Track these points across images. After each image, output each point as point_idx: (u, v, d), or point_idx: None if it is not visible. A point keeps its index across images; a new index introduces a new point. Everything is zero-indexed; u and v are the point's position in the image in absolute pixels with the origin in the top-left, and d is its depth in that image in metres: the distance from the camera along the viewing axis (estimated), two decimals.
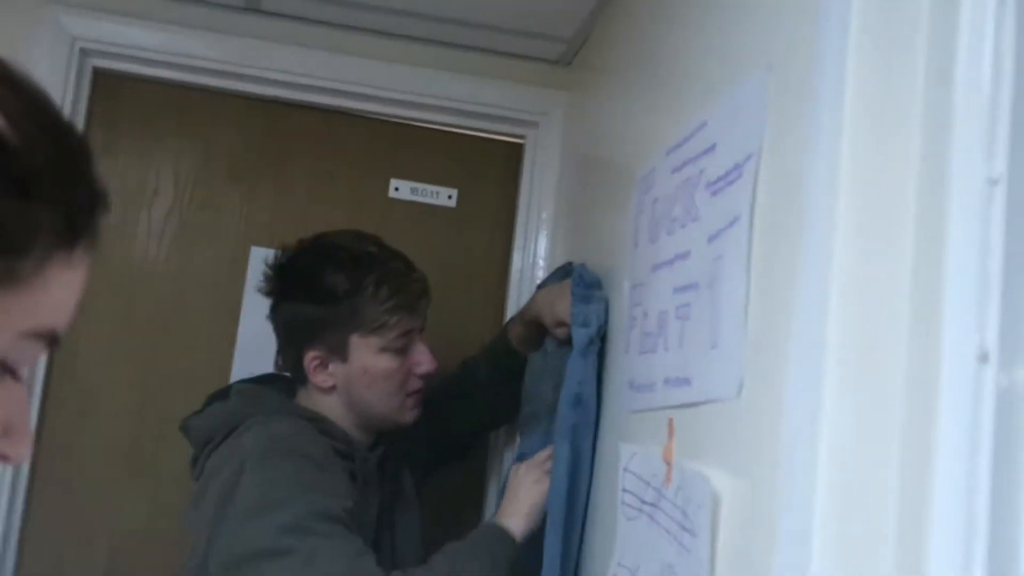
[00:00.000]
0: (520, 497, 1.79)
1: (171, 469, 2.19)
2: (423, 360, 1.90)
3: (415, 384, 1.91)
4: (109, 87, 2.37)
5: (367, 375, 1.85)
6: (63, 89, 2.26)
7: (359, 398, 1.86)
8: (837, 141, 1.00)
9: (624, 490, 1.51)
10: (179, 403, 1.94)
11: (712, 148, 1.37)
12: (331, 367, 1.85)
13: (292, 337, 1.89)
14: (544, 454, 1.80)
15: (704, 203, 1.37)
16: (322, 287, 1.85)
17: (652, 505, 1.39)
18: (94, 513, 2.24)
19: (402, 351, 1.87)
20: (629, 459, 1.52)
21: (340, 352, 1.85)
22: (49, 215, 0.65)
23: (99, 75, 2.35)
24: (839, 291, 0.97)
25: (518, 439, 2.13)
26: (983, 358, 0.83)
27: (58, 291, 0.67)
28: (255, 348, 2.30)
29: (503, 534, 1.75)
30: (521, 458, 1.93)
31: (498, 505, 1.96)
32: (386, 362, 1.86)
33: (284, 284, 1.90)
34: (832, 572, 0.94)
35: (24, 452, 0.71)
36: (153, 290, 2.29)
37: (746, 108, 1.27)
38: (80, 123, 2.31)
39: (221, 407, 1.84)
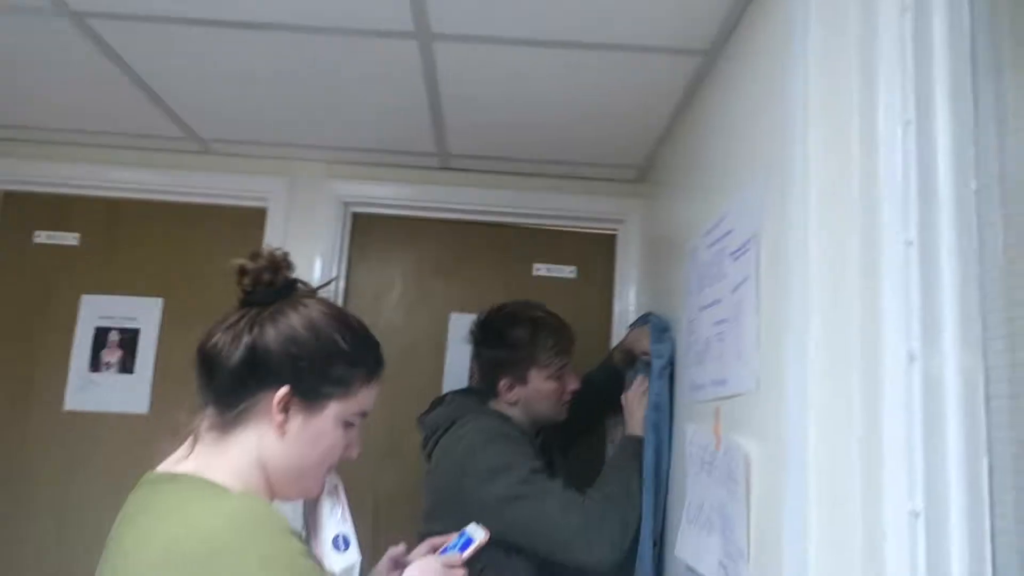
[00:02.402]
0: (635, 414, 1.78)
1: (409, 452, 2.23)
2: (572, 382, 1.89)
3: (567, 397, 1.89)
4: (363, 223, 2.46)
5: (539, 394, 1.85)
6: (336, 227, 2.38)
7: (533, 408, 1.86)
8: (805, 226, 0.98)
9: (690, 455, 1.48)
10: (412, 409, 1.96)
11: (731, 231, 1.35)
12: (515, 389, 1.85)
13: (490, 370, 1.88)
14: (638, 381, 1.80)
15: (728, 266, 1.35)
16: (511, 338, 1.85)
17: (709, 464, 1.36)
18: (364, 480, 2.29)
19: (560, 378, 1.87)
20: (692, 435, 1.49)
21: (522, 380, 1.84)
22: (360, 371, 1.06)
23: (356, 217, 2.45)
24: (814, 322, 0.95)
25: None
26: (911, 358, 0.80)
27: (365, 398, 1.08)
28: (456, 374, 2.35)
29: (634, 438, 1.75)
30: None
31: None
32: (551, 385, 1.85)
33: (484, 336, 1.91)
34: (821, 502, 0.91)
35: (358, 453, 1.10)
36: (394, 342, 2.31)
37: (750, 204, 1.25)
38: (347, 247, 2.42)
39: (443, 409, 1.86)
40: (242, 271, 1.04)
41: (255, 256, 1.05)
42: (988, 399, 0.77)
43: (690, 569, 1.44)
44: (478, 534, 1.26)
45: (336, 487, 1.15)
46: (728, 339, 1.31)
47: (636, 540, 1.66)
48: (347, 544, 1.10)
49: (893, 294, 0.80)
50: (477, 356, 1.94)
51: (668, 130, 1.99)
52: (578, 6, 1.43)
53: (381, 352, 1.12)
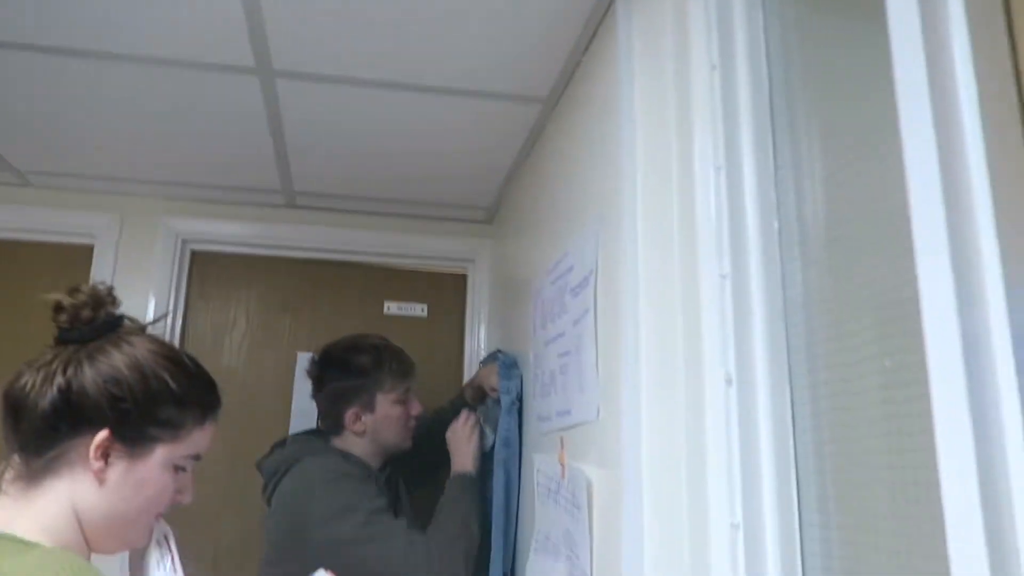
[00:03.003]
0: (463, 449, 1.79)
1: (252, 498, 2.12)
2: (415, 407, 1.89)
3: (412, 423, 1.89)
4: (202, 261, 2.36)
5: (387, 420, 1.83)
6: (172, 265, 2.27)
7: (381, 437, 1.83)
8: (635, 262, 1.05)
9: (538, 484, 1.52)
10: (256, 453, 1.89)
11: (571, 268, 1.41)
12: (363, 418, 1.82)
13: (335, 402, 1.84)
14: (464, 416, 1.84)
15: (570, 301, 1.40)
16: (356, 366, 1.83)
17: (555, 492, 1.40)
18: (204, 530, 2.17)
19: (405, 402, 1.87)
20: (540, 465, 1.52)
21: (370, 407, 1.82)
22: (192, 413, 0.99)
23: (195, 255, 2.36)
24: (644, 349, 1.01)
25: None
26: (728, 381, 0.87)
27: (198, 440, 1.01)
28: (303, 415, 2.28)
29: (465, 476, 1.76)
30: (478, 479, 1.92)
31: None
32: (397, 410, 1.84)
33: (326, 369, 1.87)
34: (655, 520, 0.96)
35: (191, 498, 1.02)
36: (236, 383, 2.27)
37: (588, 242, 1.32)
38: (184, 285, 2.31)
39: (282, 451, 1.81)
40: (58, 307, 0.95)
41: (74, 291, 0.96)
42: (794, 417, 0.85)
43: None
44: None
45: (165, 536, 1.05)
46: (571, 371, 1.36)
47: (486, 572, 1.67)
48: None
49: (711, 323, 0.88)
50: (318, 392, 1.89)
51: (513, 173, 2.07)
52: (420, 50, 1.47)
53: (217, 391, 1.05)
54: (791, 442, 0.85)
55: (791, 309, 0.87)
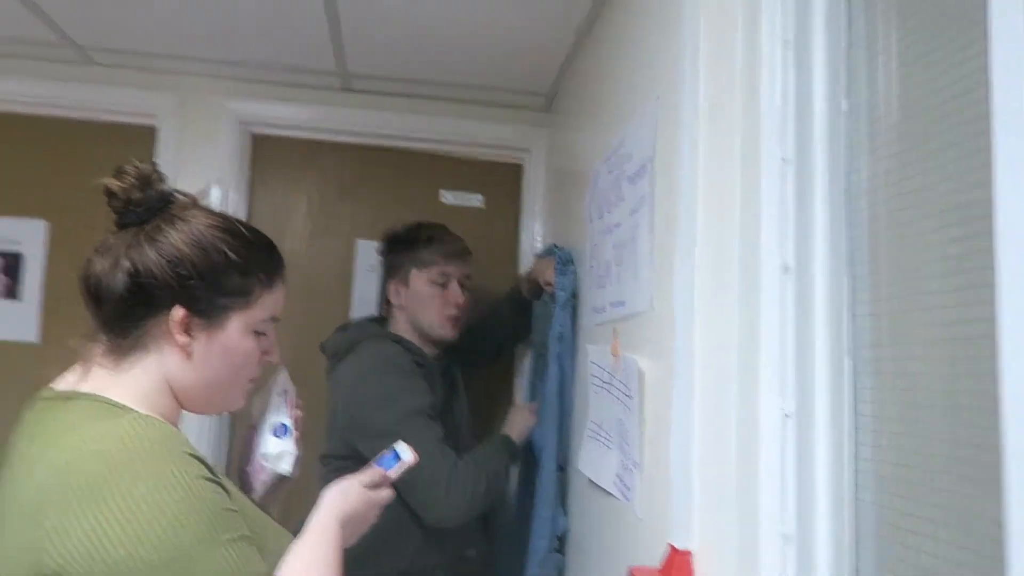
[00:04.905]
0: (517, 424, 1.87)
1: (311, 380, 2.20)
2: (455, 295, 1.92)
3: (451, 311, 1.92)
4: (262, 145, 2.39)
5: (421, 297, 1.89)
6: (234, 148, 2.30)
7: (417, 318, 1.89)
8: (695, 146, 1.02)
9: (592, 375, 1.55)
10: (318, 337, 1.96)
11: (630, 156, 1.38)
12: (401, 293, 1.90)
13: (384, 277, 1.97)
14: (531, 405, 1.92)
15: (626, 190, 1.39)
16: (401, 241, 1.94)
17: (608, 383, 1.42)
18: None
19: (443, 285, 1.91)
20: (593, 355, 1.55)
21: (405, 281, 1.90)
22: (258, 278, 1.02)
23: (256, 138, 2.38)
24: (700, 237, 1.00)
25: (530, 352, 2.17)
26: (785, 270, 0.85)
27: (270, 303, 1.04)
28: (364, 302, 2.35)
29: (509, 439, 1.83)
30: (533, 373, 2.01)
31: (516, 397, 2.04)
32: (432, 290, 1.89)
33: (384, 246, 1.99)
34: (705, 410, 0.97)
35: (278, 358, 1.08)
36: (300, 268, 2.30)
37: (646, 127, 1.29)
38: (247, 170, 2.35)
39: (344, 334, 1.89)
40: (109, 192, 0.97)
41: (120, 173, 0.98)
42: (853, 306, 0.84)
43: (591, 483, 1.52)
44: (406, 454, 1.23)
45: (285, 391, 1.18)
46: (626, 261, 1.36)
47: (537, 468, 1.76)
48: (286, 433, 1.16)
49: (770, 209, 0.85)
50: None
51: (572, 57, 2.00)
52: None
53: (277, 252, 1.08)
54: (847, 333, 0.84)
55: (854, 197, 0.84)
